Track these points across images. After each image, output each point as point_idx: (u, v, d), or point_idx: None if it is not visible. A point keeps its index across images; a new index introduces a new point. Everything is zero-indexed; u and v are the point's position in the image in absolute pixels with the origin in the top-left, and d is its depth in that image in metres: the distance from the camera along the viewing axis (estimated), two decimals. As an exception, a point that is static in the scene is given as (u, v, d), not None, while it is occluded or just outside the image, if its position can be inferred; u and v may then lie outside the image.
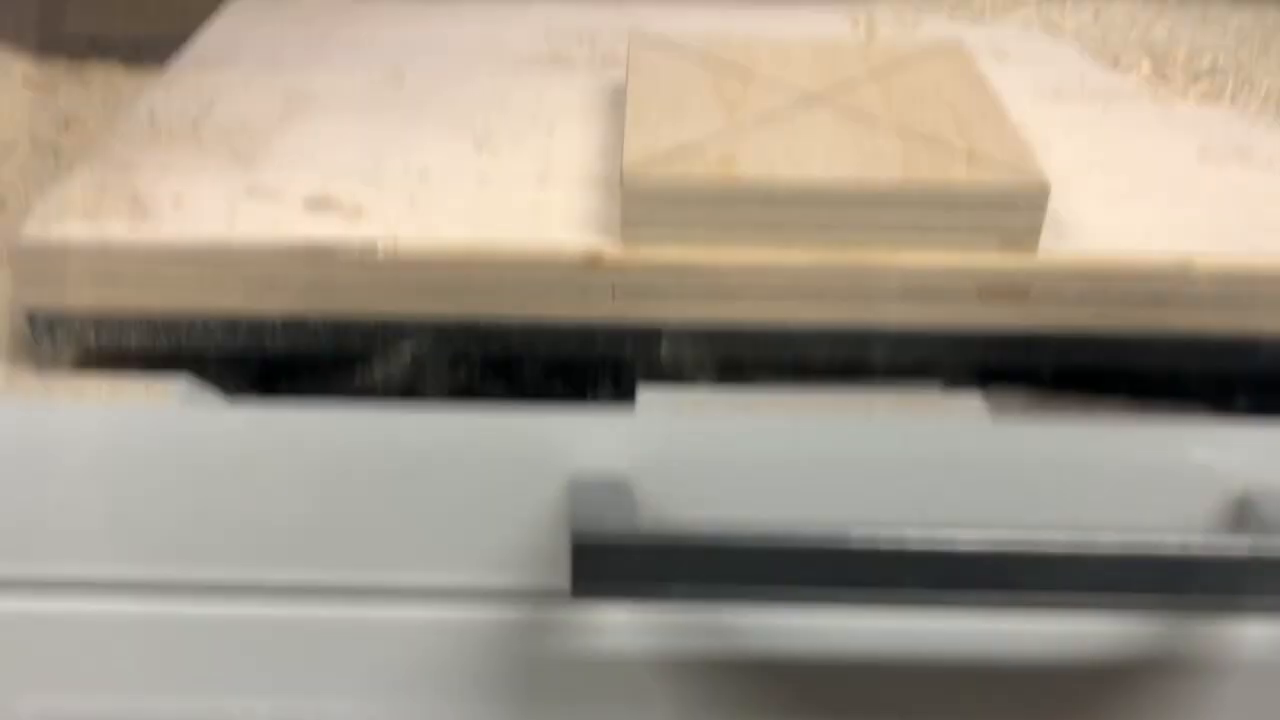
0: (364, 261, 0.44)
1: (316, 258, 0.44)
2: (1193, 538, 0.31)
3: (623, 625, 0.40)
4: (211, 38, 0.62)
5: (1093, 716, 0.38)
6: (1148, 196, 0.48)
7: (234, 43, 0.61)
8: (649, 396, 0.44)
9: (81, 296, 0.45)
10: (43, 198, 0.47)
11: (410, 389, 0.47)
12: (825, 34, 0.63)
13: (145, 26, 0.75)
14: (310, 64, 0.58)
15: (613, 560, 0.32)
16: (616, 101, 0.55)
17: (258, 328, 0.46)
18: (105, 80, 0.70)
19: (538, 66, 0.59)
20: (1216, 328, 0.45)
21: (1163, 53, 0.60)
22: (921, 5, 0.66)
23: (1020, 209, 0.43)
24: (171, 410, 0.41)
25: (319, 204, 0.46)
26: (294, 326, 0.45)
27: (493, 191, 0.48)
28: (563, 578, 0.35)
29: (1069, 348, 0.45)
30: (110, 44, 0.74)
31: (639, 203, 0.43)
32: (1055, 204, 0.45)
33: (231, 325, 0.45)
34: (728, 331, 0.45)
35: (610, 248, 0.44)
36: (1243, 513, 0.35)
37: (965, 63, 0.52)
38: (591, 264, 0.44)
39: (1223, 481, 0.37)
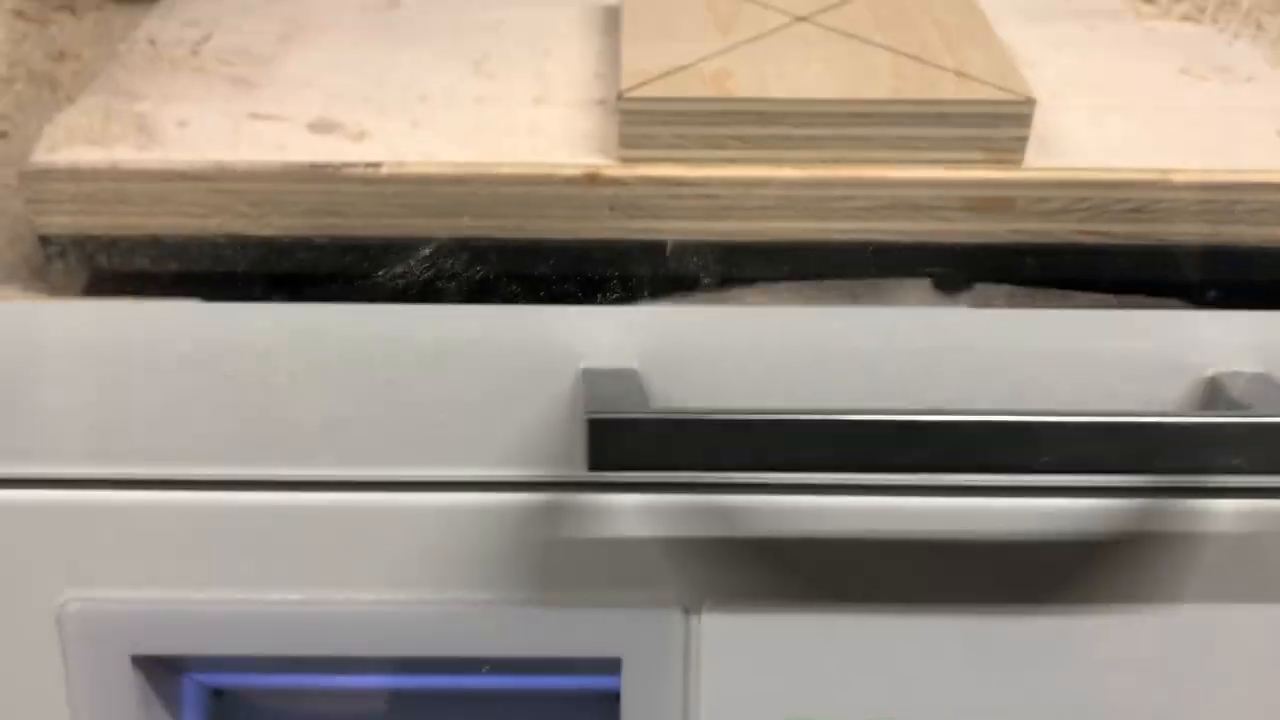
0: (368, 180, 0.45)
1: (321, 177, 0.45)
2: (1165, 413, 0.34)
3: (633, 508, 0.42)
4: (205, -33, 0.62)
5: (1071, 589, 0.41)
6: (1130, 111, 0.49)
7: (228, -28, 0.61)
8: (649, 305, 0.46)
9: (91, 220, 0.46)
10: (49, 124, 0.47)
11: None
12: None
13: None
14: (305, -5, 0.59)
15: (626, 435, 0.34)
16: (611, 25, 0.55)
17: (264, 247, 0.47)
18: (97, 13, 0.70)
19: (533, -9, 0.59)
20: (1196, 236, 0.46)
21: (1146, -29, 0.61)
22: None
23: (1005, 124, 0.44)
24: (194, 309, 0.43)
25: (322, 126, 0.48)
26: (300, 245, 0.47)
27: (492, 112, 0.49)
28: (578, 465, 0.37)
29: (1054, 257, 0.47)
30: None
31: (635, 121, 0.45)
32: (1040, 119, 0.47)
33: (240, 244, 0.47)
34: (723, 244, 0.46)
35: (607, 165, 0.45)
36: (1212, 394, 0.37)
37: (953, -17, 0.53)
38: (589, 180, 0.45)
39: (1194, 366, 0.39)
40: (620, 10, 0.52)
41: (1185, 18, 0.57)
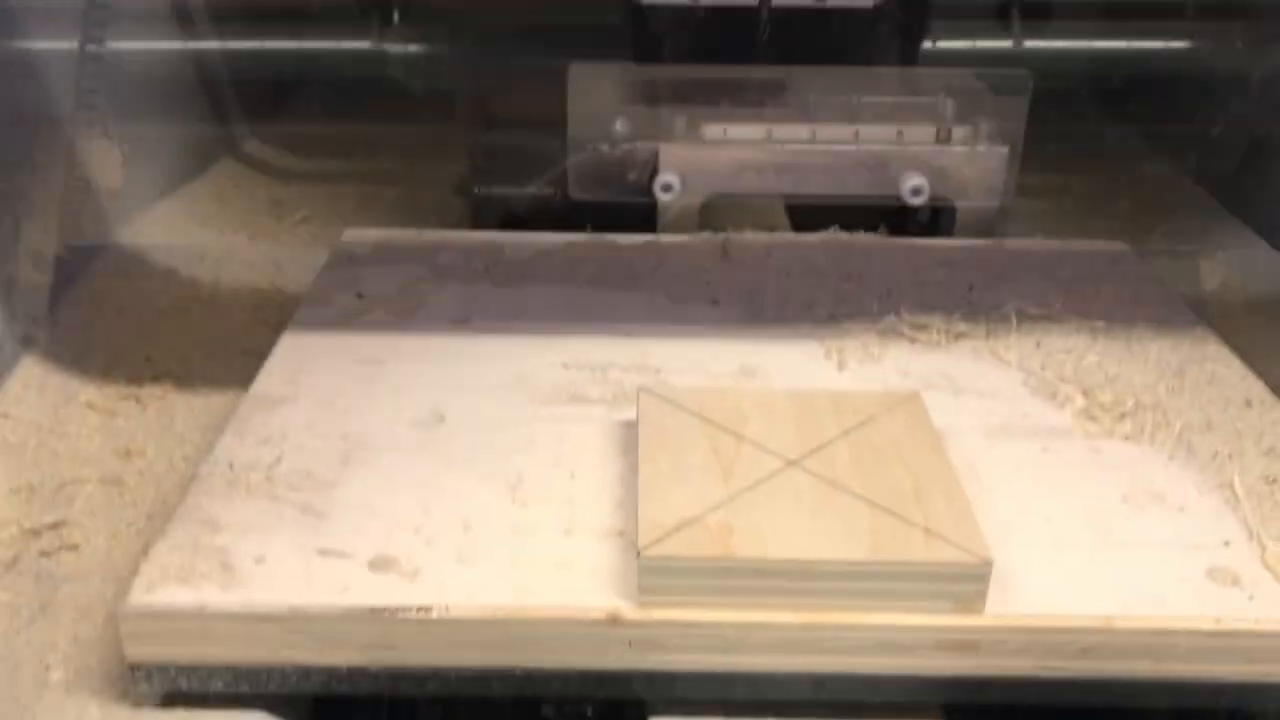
0: (419, 621, 0.52)
1: (379, 620, 0.52)
2: None
3: None
4: (272, 374, 0.71)
5: None
6: (1077, 550, 0.57)
7: (293, 381, 0.70)
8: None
9: (177, 650, 0.53)
10: (145, 561, 0.55)
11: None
12: (804, 366, 0.73)
13: (193, 345, 0.84)
14: (363, 406, 0.68)
15: None
16: (630, 443, 0.63)
17: (326, 674, 0.53)
18: (160, 402, 0.78)
19: (559, 407, 0.68)
20: (1140, 672, 0.53)
21: (1092, 387, 0.70)
22: (886, 334, 0.76)
23: (967, 581, 0.52)
24: None
25: (380, 564, 0.55)
26: (358, 673, 0.53)
27: (526, 544, 0.56)
28: None
29: (1015, 689, 0.53)
30: (162, 362, 0.82)
31: (652, 573, 0.52)
32: (1000, 558, 0.54)
33: (304, 673, 0.53)
34: (727, 677, 0.53)
35: (627, 607, 0.53)
36: None
37: (921, 418, 0.62)
38: (612, 621, 0.52)
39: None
40: (638, 442, 0.60)
41: (1126, 438, 0.66)
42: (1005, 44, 1.16)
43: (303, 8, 1.15)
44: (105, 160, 0.95)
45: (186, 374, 0.81)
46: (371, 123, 1.21)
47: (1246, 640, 0.53)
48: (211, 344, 0.85)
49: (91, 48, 0.93)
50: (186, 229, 1.04)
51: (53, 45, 0.92)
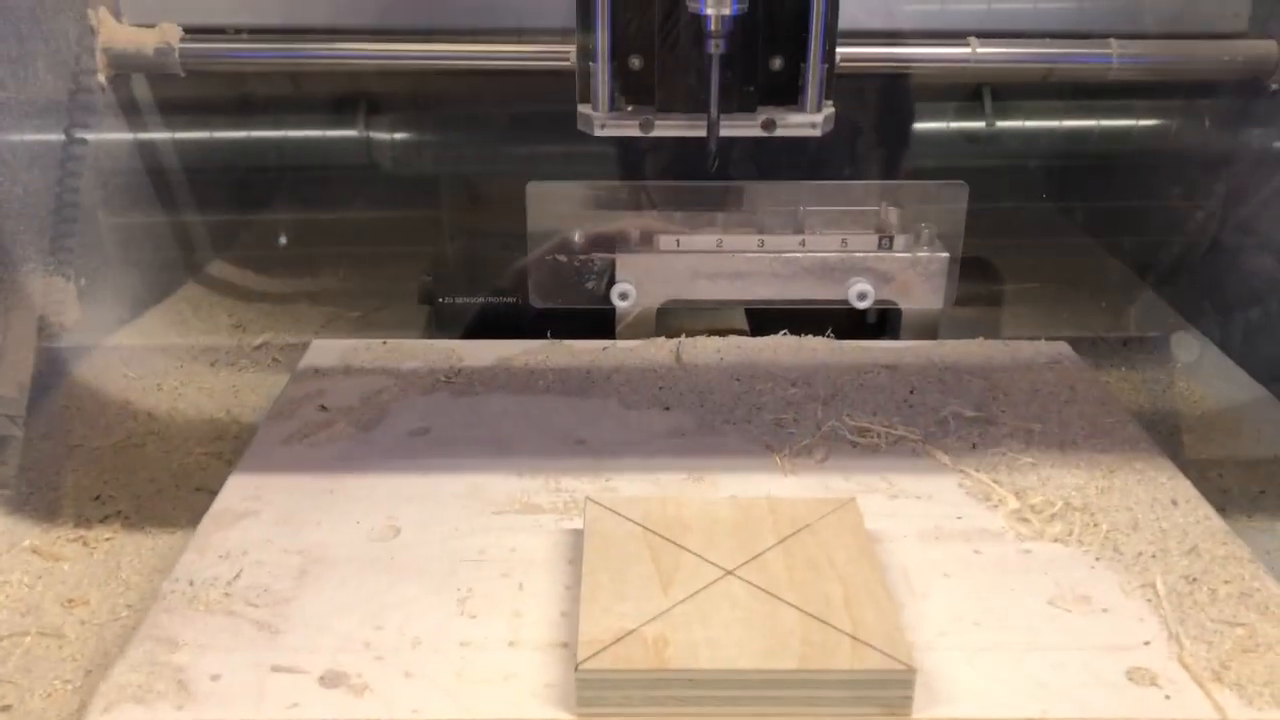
0: (367, 738, 0.54)
1: (328, 736, 0.54)
2: None
3: None
4: (236, 488, 0.74)
5: None
6: (1003, 652, 0.59)
7: (255, 495, 0.73)
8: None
9: (132, 769, 0.55)
10: (104, 682, 0.57)
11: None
12: (750, 471, 0.76)
13: (146, 483, 0.83)
14: (321, 519, 0.70)
15: None
16: (576, 552, 0.66)
17: (277, 789, 0.55)
18: (108, 544, 0.76)
19: (511, 516, 0.71)
20: (1062, 773, 0.55)
21: (1025, 488, 0.73)
22: (829, 438, 0.79)
23: (893, 686, 0.54)
24: None
25: (331, 679, 0.57)
26: (307, 789, 0.55)
27: (472, 658, 0.59)
28: None
29: (944, 793, 0.55)
30: (113, 502, 0.81)
31: (589, 688, 0.54)
32: (927, 660, 0.57)
33: (255, 790, 0.55)
34: (665, 787, 0.55)
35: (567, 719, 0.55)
36: None
37: (856, 524, 0.65)
38: (552, 732, 0.54)
39: None
40: (583, 555, 0.63)
41: (1055, 539, 0.69)
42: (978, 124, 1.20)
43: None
44: (62, 297, 0.93)
45: (136, 514, 0.80)
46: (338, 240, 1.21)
47: (1163, 740, 0.55)
48: (165, 481, 0.84)
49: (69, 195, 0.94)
50: (145, 358, 1.02)
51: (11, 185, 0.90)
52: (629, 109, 0.84)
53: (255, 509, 0.71)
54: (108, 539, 0.77)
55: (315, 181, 1.19)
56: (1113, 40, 1.03)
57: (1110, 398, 0.86)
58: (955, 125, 1.20)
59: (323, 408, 0.84)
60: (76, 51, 0.98)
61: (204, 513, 0.71)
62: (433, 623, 0.61)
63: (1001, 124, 1.18)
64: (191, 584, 0.64)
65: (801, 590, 0.59)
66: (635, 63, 0.82)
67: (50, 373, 0.93)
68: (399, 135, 1.17)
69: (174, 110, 1.12)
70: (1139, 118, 1.21)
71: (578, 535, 0.67)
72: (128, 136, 1.09)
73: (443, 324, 1.02)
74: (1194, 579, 0.65)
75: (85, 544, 0.76)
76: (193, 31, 1.02)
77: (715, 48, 0.78)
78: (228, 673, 0.58)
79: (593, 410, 0.84)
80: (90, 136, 0.98)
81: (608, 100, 0.83)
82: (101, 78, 1.01)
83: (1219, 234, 1.10)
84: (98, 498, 0.82)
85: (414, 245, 1.11)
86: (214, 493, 0.73)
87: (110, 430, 0.91)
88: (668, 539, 0.64)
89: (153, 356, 1.02)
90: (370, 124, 1.16)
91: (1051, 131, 1.21)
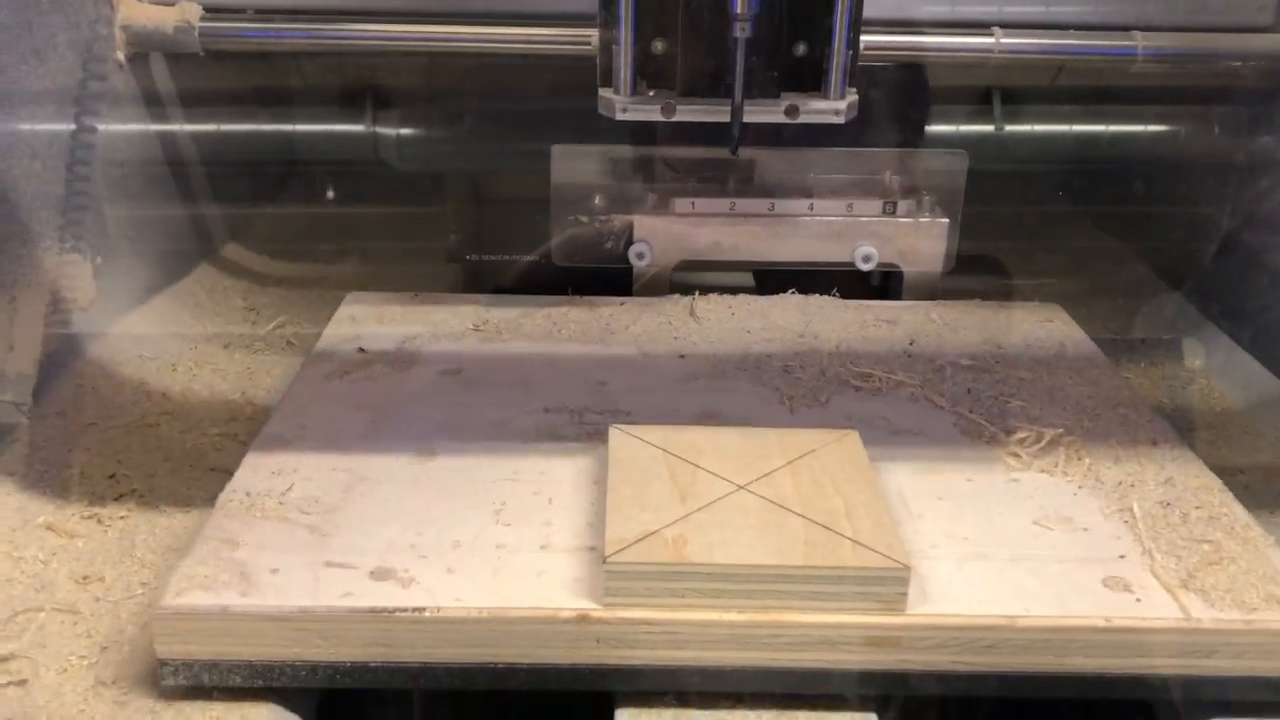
0: (414, 621, 0.60)
1: (379, 620, 0.60)
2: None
3: None
4: (283, 417, 0.80)
5: None
6: (990, 561, 0.65)
7: (301, 424, 0.79)
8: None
9: (201, 648, 0.60)
10: (174, 574, 0.62)
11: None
12: (759, 410, 0.81)
13: (160, 462, 0.83)
14: (363, 444, 0.76)
15: None
16: (602, 475, 0.72)
17: (330, 669, 0.61)
18: (122, 522, 0.76)
19: (539, 445, 0.77)
20: (1043, 666, 0.61)
21: (1015, 427, 0.79)
22: (832, 381, 0.85)
23: (889, 584, 0.60)
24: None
25: (379, 574, 0.63)
26: (359, 669, 0.61)
27: (508, 559, 0.64)
28: None
29: (935, 682, 0.61)
30: (127, 480, 0.80)
31: (616, 578, 0.60)
32: (921, 568, 0.63)
33: (312, 668, 0.61)
34: (683, 670, 0.61)
35: (595, 609, 0.60)
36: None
37: (857, 451, 0.71)
38: (581, 620, 0.60)
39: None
40: (607, 474, 0.68)
41: (1042, 470, 0.74)
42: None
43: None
44: (77, 274, 0.93)
45: (151, 493, 0.80)
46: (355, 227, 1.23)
47: (1134, 636, 0.61)
48: (179, 460, 0.84)
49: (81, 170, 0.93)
50: (160, 339, 1.01)
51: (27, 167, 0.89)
52: (650, 93, 0.84)
53: (302, 435, 0.77)
54: (122, 517, 0.77)
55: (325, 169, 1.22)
56: (1137, 33, 1.04)
57: (1097, 353, 0.92)
58: (965, 129, 1.23)
59: (361, 350, 0.90)
60: (93, 28, 0.97)
61: (219, 492, 0.71)
62: (470, 530, 0.67)
63: (1020, 127, 1.21)
64: (248, 495, 0.70)
65: (806, 504, 0.65)
66: (658, 46, 0.83)
67: (65, 352, 0.93)
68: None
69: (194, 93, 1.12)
70: (1156, 118, 1.22)
71: (602, 462, 0.73)
72: (141, 123, 1.08)
73: (470, 282, 1.08)
74: (1168, 504, 0.71)
75: (99, 521, 0.76)
76: (212, 11, 1.03)
77: (741, 31, 0.78)
78: (285, 568, 0.63)
79: (612, 358, 0.90)
80: (108, 123, 0.97)
81: (630, 84, 0.83)
82: (120, 55, 1.01)
83: (1240, 232, 1.10)
84: (112, 476, 0.82)
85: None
86: (229, 472, 0.73)
87: (125, 410, 0.90)
88: (685, 460, 0.69)
89: (167, 338, 1.02)
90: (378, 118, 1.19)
91: (1065, 135, 1.23)
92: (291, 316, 1.09)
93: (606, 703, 0.62)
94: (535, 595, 0.62)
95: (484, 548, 0.65)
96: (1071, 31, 1.06)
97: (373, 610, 0.60)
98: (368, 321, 0.95)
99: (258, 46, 1.08)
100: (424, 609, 0.60)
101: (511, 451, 0.76)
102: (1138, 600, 0.62)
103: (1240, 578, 0.64)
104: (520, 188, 1.17)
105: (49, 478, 0.80)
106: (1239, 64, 1.07)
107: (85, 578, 0.70)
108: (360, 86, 1.23)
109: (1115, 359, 0.93)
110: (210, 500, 0.70)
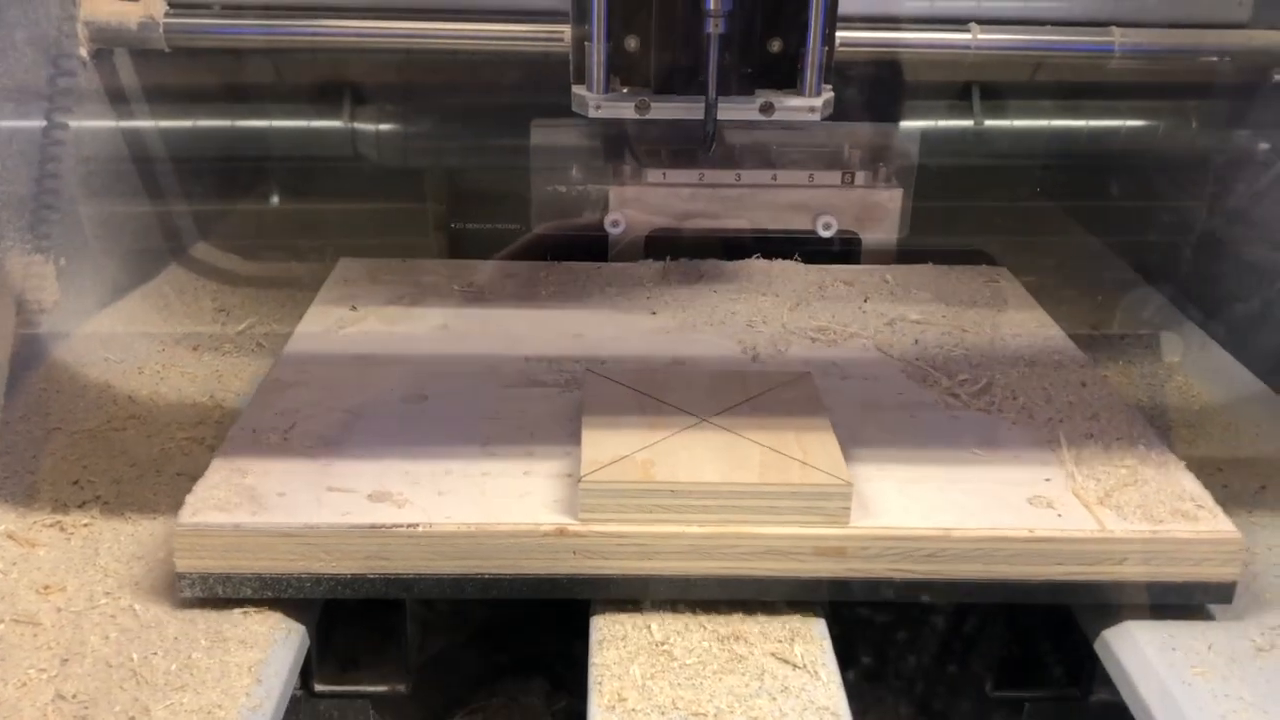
0: (409, 535, 0.67)
1: (376, 534, 0.67)
2: None
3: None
4: (284, 366, 0.86)
5: None
6: (928, 484, 0.72)
7: (302, 371, 0.85)
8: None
9: (215, 562, 0.67)
10: (190, 495, 0.69)
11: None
12: (724, 358, 0.88)
13: (126, 467, 0.81)
14: (360, 389, 0.82)
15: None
16: (576, 415, 0.78)
17: (333, 580, 0.67)
18: (85, 530, 0.74)
19: (521, 389, 0.83)
20: (975, 572, 0.68)
21: (957, 372, 0.86)
22: (792, 333, 0.92)
23: (834, 499, 0.67)
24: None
25: (377, 496, 0.69)
26: (358, 581, 0.67)
27: (494, 483, 0.71)
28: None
29: (877, 588, 0.68)
30: (91, 487, 0.79)
31: (590, 495, 0.67)
32: (864, 490, 0.70)
33: (316, 580, 0.67)
34: (651, 580, 0.68)
35: (572, 524, 0.67)
36: None
37: (810, 390, 0.78)
38: (559, 534, 0.67)
39: None
40: (582, 409, 0.75)
41: (979, 409, 0.82)
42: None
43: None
44: (40, 275, 0.91)
45: (116, 499, 0.78)
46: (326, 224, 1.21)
47: (1053, 546, 0.68)
48: (145, 465, 0.82)
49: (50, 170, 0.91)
50: (128, 341, 0.99)
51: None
52: (624, 90, 0.83)
53: (303, 380, 0.84)
54: (86, 524, 0.75)
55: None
56: (1114, 28, 1.05)
57: (1037, 308, 0.99)
58: (943, 124, 1.22)
59: (353, 308, 0.96)
60: (56, 25, 0.96)
61: (185, 496, 0.70)
62: (459, 460, 0.74)
63: (1002, 122, 1.21)
64: (254, 431, 0.76)
65: (762, 433, 0.72)
66: (631, 43, 0.82)
67: (29, 355, 0.90)
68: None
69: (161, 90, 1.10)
70: (1133, 114, 1.21)
71: (578, 404, 0.80)
72: (110, 121, 1.07)
73: (455, 249, 1.14)
74: (1091, 435, 0.78)
75: (62, 529, 0.74)
76: (177, 7, 1.01)
77: (714, 27, 0.78)
78: (290, 491, 0.70)
79: (588, 314, 0.97)
80: (73, 120, 0.96)
81: (603, 81, 0.81)
82: (83, 52, 0.99)
83: (1217, 228, 1.12)
84: (76, 482, 0.79)
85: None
86: (195, 478, 0.71)
87: (89, 414, 0.88)
88: (653, 397, 0.76)
89: (134, 340, 1.00)
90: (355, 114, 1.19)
91: (1043, 130, 1.22)
92: (262, 317, 1.08)
93: (583, 617, 0.69)
94: (518, 513, 0.68)
95: (471, 474, 0.72)
96: (1049, 27, 1.06)
97: (372, 526, 0.67)
98: (360, 282, 1.02)
99: (224, 43, 1.07)
100: (418, 525, 0.67)
101: (496, 394, 0.82)
102: (1059, 515, 0.69)
103: (1152, 496, 0.71)
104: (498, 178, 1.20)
105: (10, 484, 0.79)
106: (1216, 59, 1.07)
107: (46, 588, 0.68)
108: (338, 82, 1.21)
109: (1093, 355, 0.93)
110: (175, 507, 0.68)
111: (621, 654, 0.65)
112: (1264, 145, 1.10)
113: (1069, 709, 0.75)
